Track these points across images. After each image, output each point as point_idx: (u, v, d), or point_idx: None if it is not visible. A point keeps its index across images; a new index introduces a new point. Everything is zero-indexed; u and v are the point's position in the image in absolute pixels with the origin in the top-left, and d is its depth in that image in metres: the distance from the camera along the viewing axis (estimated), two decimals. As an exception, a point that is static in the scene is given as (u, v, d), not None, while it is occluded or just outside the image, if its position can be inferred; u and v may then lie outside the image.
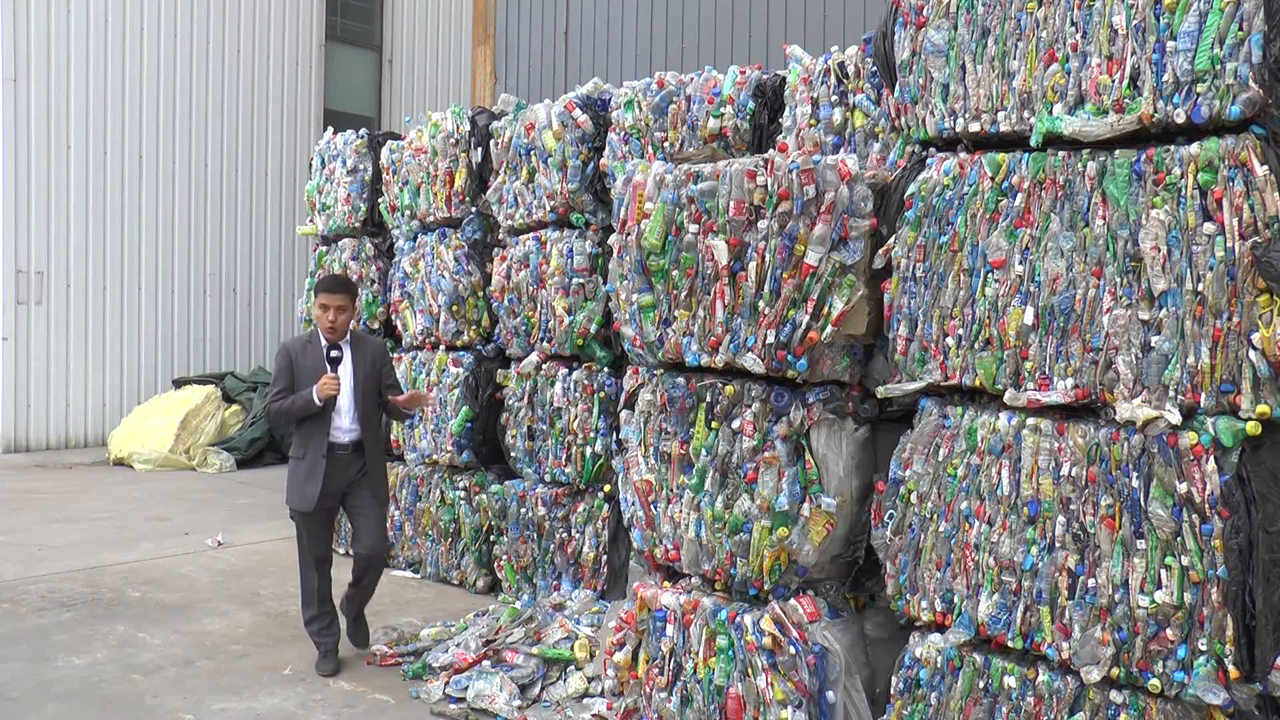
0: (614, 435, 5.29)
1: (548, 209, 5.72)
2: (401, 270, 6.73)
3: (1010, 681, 3.36)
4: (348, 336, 4.95)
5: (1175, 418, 3.04)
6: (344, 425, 4.88)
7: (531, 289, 5.76)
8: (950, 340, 3.52)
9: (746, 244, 3.77)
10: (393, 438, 6.79)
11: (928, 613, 3.57)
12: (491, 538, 6.13)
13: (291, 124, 13.32)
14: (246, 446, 10.77)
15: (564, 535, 5.70)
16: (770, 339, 3.71)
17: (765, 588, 3.87)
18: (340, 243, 7.31)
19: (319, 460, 4.82)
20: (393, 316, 6.92)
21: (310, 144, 12.36)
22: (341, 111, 13.55)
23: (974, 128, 3.52)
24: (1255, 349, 2.97)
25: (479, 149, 6.24)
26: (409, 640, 5.17)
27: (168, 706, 4.47)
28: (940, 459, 3.53)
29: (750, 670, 3.80)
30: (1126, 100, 3.17)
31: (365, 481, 4.94)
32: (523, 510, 5.88)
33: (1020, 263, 3.36)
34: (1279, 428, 3.07)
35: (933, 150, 3.69)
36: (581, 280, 5.52)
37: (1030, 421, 3.33)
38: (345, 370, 4.89)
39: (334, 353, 4.86)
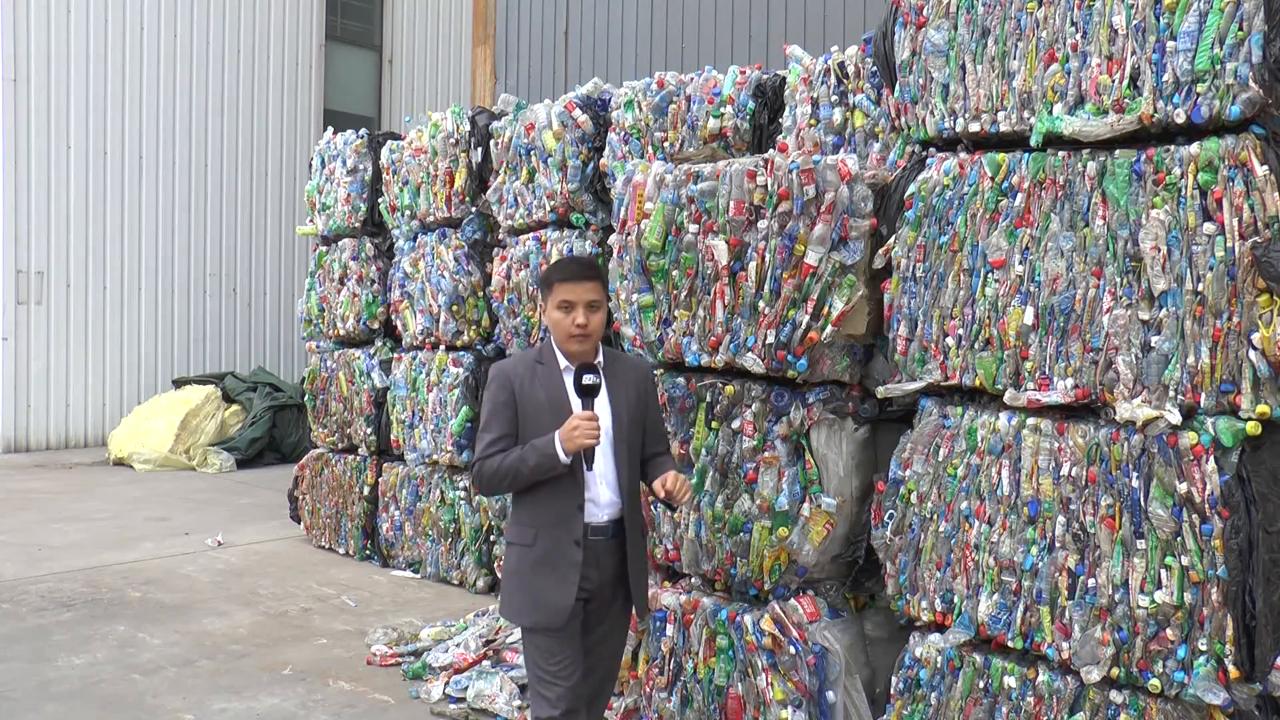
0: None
1: (548, 209, 5.72)
2: (401, 270, 6.73)
3: (1010, 681, 3.36)
4: (599, 355, 3.21)
5: (1175, 418, 3.04)
6: (599, 496, 3.11)
7: (531, 289, 5.76)
8: (950, 340, 3.52)
9: (746, 244, 3.77)
10: (392, 438, 6.77)
11: (928, 613, 3.57)
12: (491, 538, 6.13)
13: (291, 124, 13.33)
14: (246, 446, 10.78)
15: (564, 535, 5.68)
16: (770, 339, 3.71)
17: (765, 588, 3.87)
18: (340, 243, 7.31)
19: (570, 551, 3.05)
20: (393, 316, 6.92)
21: (310, 144, 12.37)
22: (341, 111, 13.56)
23: (974, 128, 3.52)
24: (1255, 349, 2.97)
25: (479, 149, 6.24)
26: (409, 640, 5.17)
27: (168, 706, 4.46)
28: (940, 459, 3.53)
29: (750, 670, 3.80)
30: (1126, 100, 3.17)
31: (621, 590, 3.19)
32: (523, 510, 5.87)
33: (1020, 263, 3.36)
34: (1279, 428, 3.07)
35: (933, 150, 3.69)
36: (581, 280, 5.51)
37: (1030, 421, 3.33)
38: (603, 406, 3.12)
39: (588, 377, 3.04)
